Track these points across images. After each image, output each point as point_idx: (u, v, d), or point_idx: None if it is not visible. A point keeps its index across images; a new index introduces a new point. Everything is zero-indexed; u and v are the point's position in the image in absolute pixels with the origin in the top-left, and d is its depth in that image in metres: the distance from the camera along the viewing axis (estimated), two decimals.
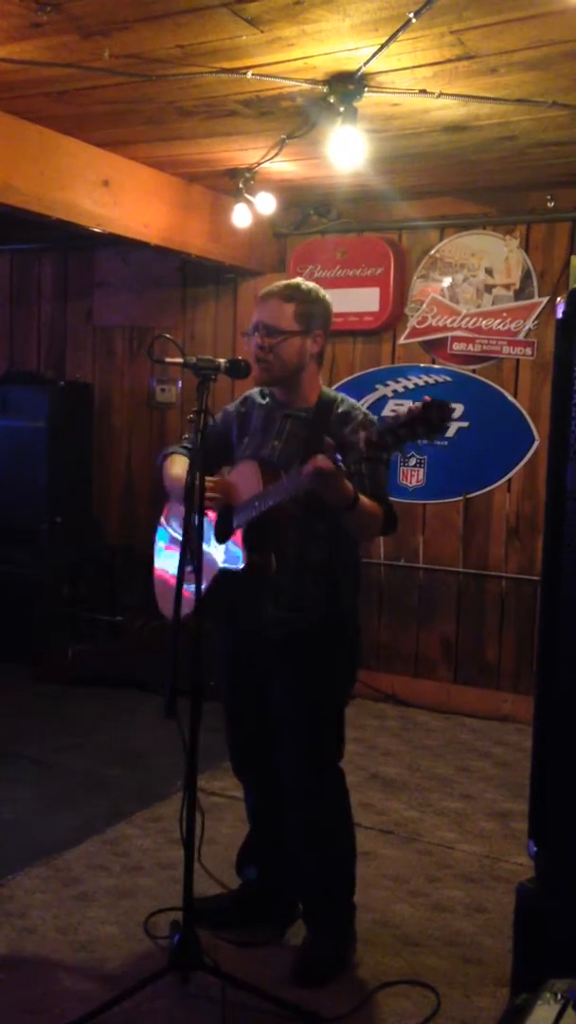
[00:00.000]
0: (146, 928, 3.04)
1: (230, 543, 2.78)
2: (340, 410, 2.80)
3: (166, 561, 3.03)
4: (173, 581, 2.61)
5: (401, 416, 2.24)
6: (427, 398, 2.23)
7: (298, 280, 2.85)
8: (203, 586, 2.57)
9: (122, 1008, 2.54)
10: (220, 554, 2.81)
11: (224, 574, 2.77)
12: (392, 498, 2.82)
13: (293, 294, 2.77)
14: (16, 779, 4.20)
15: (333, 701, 2.89)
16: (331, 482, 2.45)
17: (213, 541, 2.83)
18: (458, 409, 5.38)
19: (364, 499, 2.58)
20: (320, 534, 2.73)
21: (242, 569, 2.70)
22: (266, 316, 2.77)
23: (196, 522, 2.54)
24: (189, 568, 2.54)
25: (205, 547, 2.64)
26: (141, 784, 4.19)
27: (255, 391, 2.98)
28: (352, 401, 2.87)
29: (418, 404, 2.21)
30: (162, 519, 3.11)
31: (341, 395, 2.89)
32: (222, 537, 2.81)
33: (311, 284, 2.84)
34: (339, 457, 2.38)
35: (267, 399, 2.93)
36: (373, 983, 2.80)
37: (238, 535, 2.74)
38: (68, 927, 3.05)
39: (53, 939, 2.98)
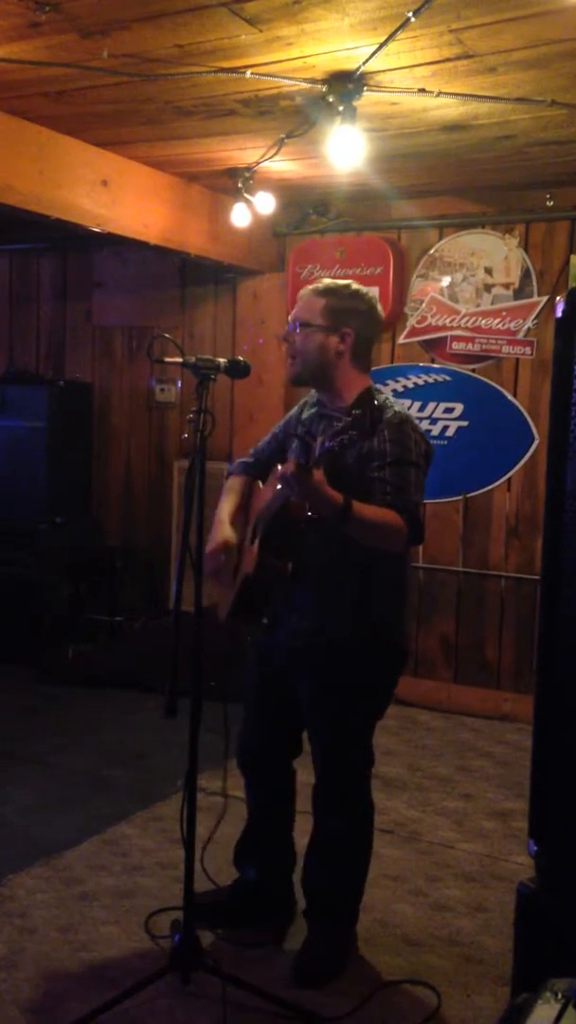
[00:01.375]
0: (146, 928, 3.04)
1: (250, 548, 2.77)
2: (385, 416, 2.66)
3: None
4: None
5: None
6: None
7: (348, 282, 2.78)
8: (233, 592, 2.63)
9: (123, 1008, 2.54)
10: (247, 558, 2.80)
11: (247, 579, 2.72)
12: None
13: (328, 290, 2.74)
14: (16, 779, 4.20)
15: (356, 718, 2.80)
16: (301, 487, 2.37)
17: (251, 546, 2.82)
18: (457, 408, 5.39)
19: (365, 509, 2.47)
20: (347, 540, 2.56)
21: (254, 571, 2.67)
22: (297, 310, 2.77)
23: (196, 523, 2.55)
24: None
25: (244, 552, 2.66)
26: (142, 784, 4.19)
27: (312, 394, 2.93)
28: (392, 401, 2.75)
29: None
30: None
31: (385, 395, 2.80)
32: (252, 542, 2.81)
33: (357, 285, 2.76)
34: (313, 459, 2.37)
35: (316, 402, 2.88)
36: (374, 983, 2.79)
37: (256, 541, 2.73)
38: (69, 927, 3.05)
39: (54, 939, 2.98)
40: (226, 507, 2.93)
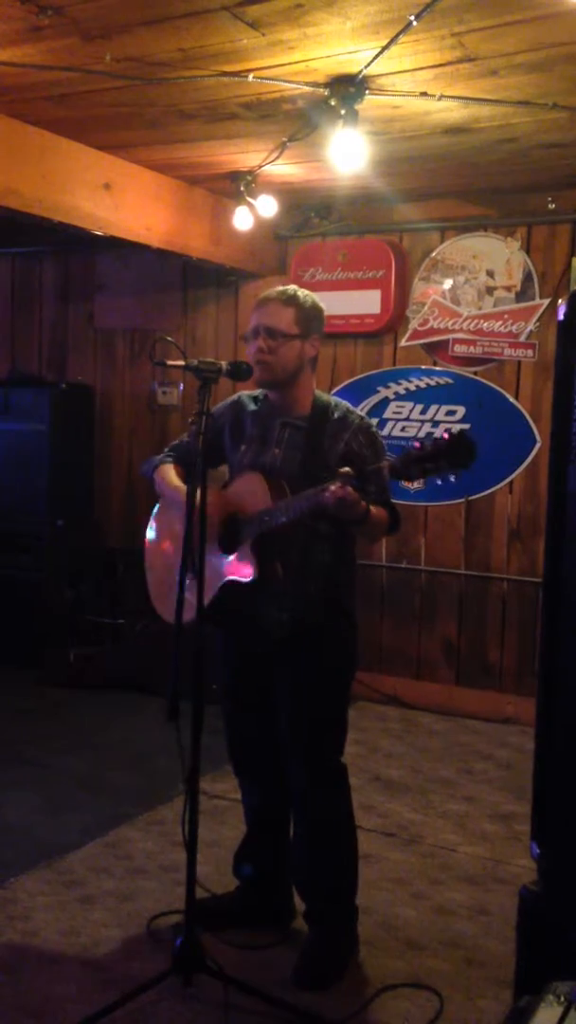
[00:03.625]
0: (148, 931, 3.04)
1: (237, 554, 2.78)
2: (335, 416, 2.84)
3: (157, 559, 3.05)
4: (169, 583, 2.65)
5: (427, 448, 2.31)
6: (452, 430, 2.31)
7: (293, 287, 2.89)
8: (211, 595, 2.64)
9: (124, 1011, 2.54)
10: (226, 565, 2.81)
11: (232, 584, 2.78)
12: (394, 500, 2.85)
13: (291, 299, 2.82)
14: (18, 782, 4.20)
15: (336, 699, 2.93)
16: (351, 508, 2.54)
17: (217, 551, 2.83)
18: (459, 411, 5.39)
19: (373, 510, 2.66)
20: (324, 536, 2.78)
21: (251, 581, 2.73)
22: (267, 319, 2.80)
23: (198, 529, 2.55)
24: (192, 577, 2.54)
25: (209, 557, 2.64)
26: (143, 787, 4.19)
27: (244, 394, 3.01)
28: (346, 405, 2.90)
29: (444, 437, 2.28)
30: (153, 521, 3.12)
31: (335, 399, 2.92)
32: (229, 548, 2.82)
33: (305, 291, 2.89)
34: (356, 482, 2.49)
35: (259, 404, 2.95)
36: (375, 986, 2.79)
37: (245, 548, 2.75)
38: (70, 930, 3.05)
39: (55, 941, 2.98)
40: (172, 476, 2.99)
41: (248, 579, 2.73)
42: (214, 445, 2.94)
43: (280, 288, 2.89)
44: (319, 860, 2.91)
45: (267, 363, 2.80)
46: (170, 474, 3.01)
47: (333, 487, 2.49)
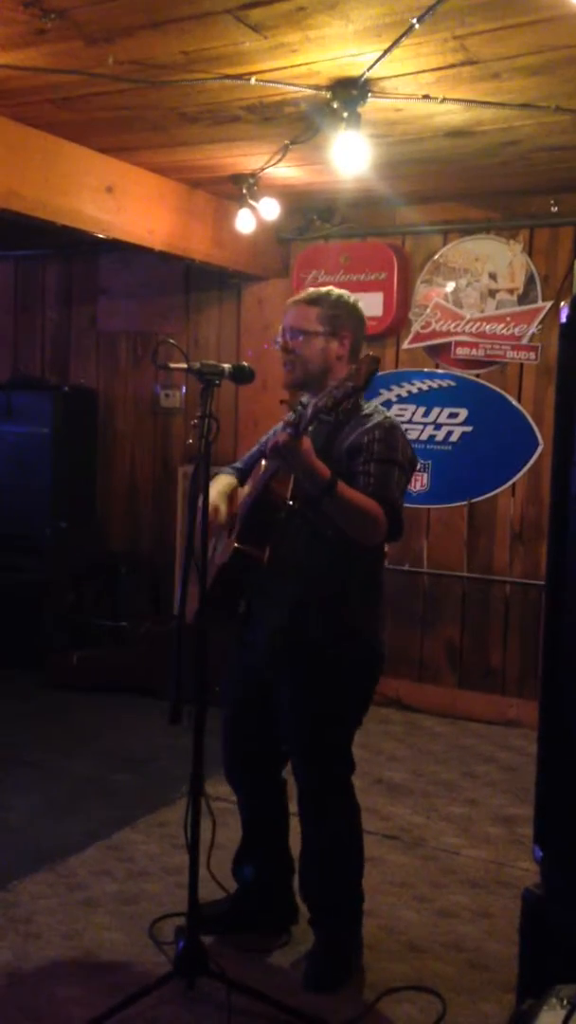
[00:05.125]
0: (151, 934, 3.04)
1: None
2: (363, 413, 2.76)
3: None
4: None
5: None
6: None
7: (328, 288, 2.87)
8: (207, 581, 2.58)
9: (127, 1014, 2.54)
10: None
11: (225, 569, 2.73)
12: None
13: (318, 299, 2.81)
14: (21, 784, 4.20)
15: (335, 723, 2.82)
16: (291, 456, 2.43)
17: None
18: (462, 414, 5.39)
19: (349, 490, 2.52)
20: (324, 538, 2.67)
21: (230, 557, 2.68)
22: (291, 320, 2.82)
23: (200, 528, 2.55)
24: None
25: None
26: (146, 789, 4.19)
27: (297, 407, 2.99)
28: (382, 409, 2.83)
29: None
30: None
31: (375, 404, 2.86)
32: (230, 532, 2.83)
33: (340, 291, 2.86)
34: (296, 428, 2.41)
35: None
36: (379, 989, 2.79)
37: (236, 527, 2.75)
38: (73, 933, 3.04)
39: (58, 945, 2.97)
40: (215, 488, 2.96)
41: (227, 557, 2.70)
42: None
43: (313, 289, 2.88)
44: (324, 880, 2.89)
45: (290, 364, 2.81)
46: (213, 488, 2.92)
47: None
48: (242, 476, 3.05)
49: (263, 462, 2.72)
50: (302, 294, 2.87)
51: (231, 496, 2.98)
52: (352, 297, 2.86)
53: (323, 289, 2.86)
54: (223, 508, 2.91)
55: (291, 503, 2.60)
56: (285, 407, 2.70)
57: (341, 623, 2.75)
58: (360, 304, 2.88)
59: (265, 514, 2.65)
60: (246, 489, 2.92)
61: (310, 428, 2.44)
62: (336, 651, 2.74)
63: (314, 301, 2.81)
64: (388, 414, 2.80)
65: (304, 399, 2.90)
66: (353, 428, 2.71)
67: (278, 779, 3.05)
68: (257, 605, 2.83)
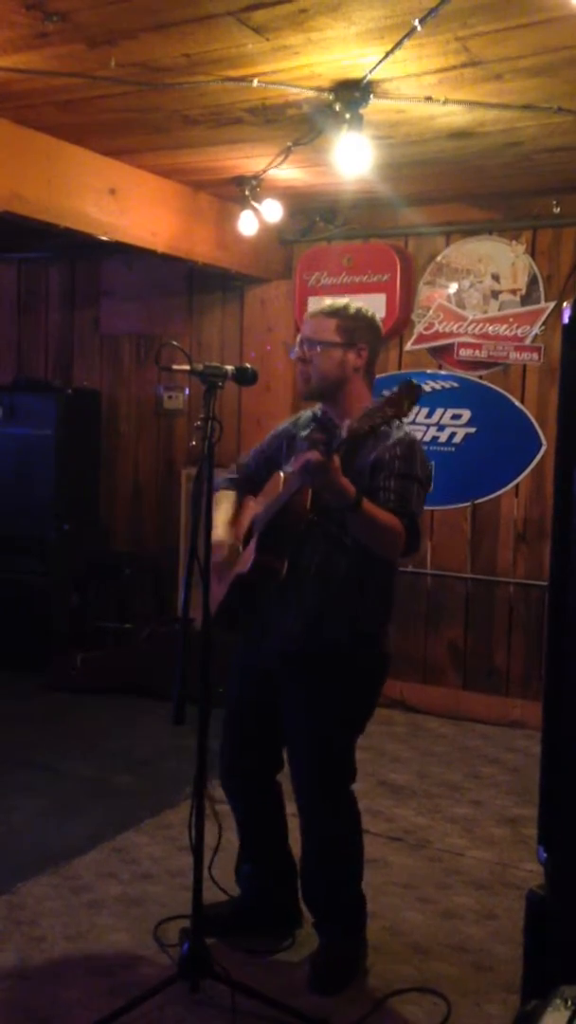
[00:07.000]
0: (155, 936, 3.04)
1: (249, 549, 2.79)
2: (384, 428, 2.68)
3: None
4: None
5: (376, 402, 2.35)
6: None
7: (347, 301, 2.87)
8: (223, 592, 2.63)
9: (131, 1017, 2.54)
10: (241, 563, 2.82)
11: (240, 579, 2.76)
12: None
13: (336, 311, 2.82)
14: (25, 786, 4.20)
15: (340, 730, 2.83)
16: (321, 475, 2.42)
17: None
18: (465, 415, 5.39)
19: (372, 506, 2.53)
20: (344, 547, 2.69)
21: (248, 570, 2.70)
22: (309, 331, 2.82)
23: (204, 528, 2.55)
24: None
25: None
26: (150, 791, 4.19)
27: (308, 411, 2.99)
28: (399, 421, 2.77)
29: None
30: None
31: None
32: (247, 544, 2.83)
33: (359, 304, 2.86)
34: (327, 447, 2.41)
35: (316, 419, 2.92)
36: (383, 991, 2.79)
37: (252, 541, 2.76)
38: (77, 935, 3.05)
39: (62, 947, 2.97)
40: (219, 516, 2.94)
41: (245, 570, 2.71)
42: (273, 459, 2.96)
43: (330, 301, 2.89)
44: (326, 883, 2.89)
45: (306, 373, 2.81)
46: (217, 511, 2.88)
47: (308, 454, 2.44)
48: (246, 484, 3.03)
49: (281, 474, 2.74)
50: (320, 306, 2.87)
51: (236, 515, 2.98)
52: (370, 311, 2.87)
53: (341, 301, 2.86)
54: (228, 541, 2.89)
55: (311, 515, 2.63)
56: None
57: (357, 629, 2.77)
58: (378, 317, 2.88)
59: (286, 526, 2.67)
60: (257, 500, 2.91)
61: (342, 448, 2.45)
62: (351, 656, 2.77)
63: (332, 313, 2.81)
64: (407, 429, 2.81)
65: (316, 409, 2.92)
66: (376, 443, 2.71)
67: (275, 782, 3.05)
68: (272, 610, 2.82)
